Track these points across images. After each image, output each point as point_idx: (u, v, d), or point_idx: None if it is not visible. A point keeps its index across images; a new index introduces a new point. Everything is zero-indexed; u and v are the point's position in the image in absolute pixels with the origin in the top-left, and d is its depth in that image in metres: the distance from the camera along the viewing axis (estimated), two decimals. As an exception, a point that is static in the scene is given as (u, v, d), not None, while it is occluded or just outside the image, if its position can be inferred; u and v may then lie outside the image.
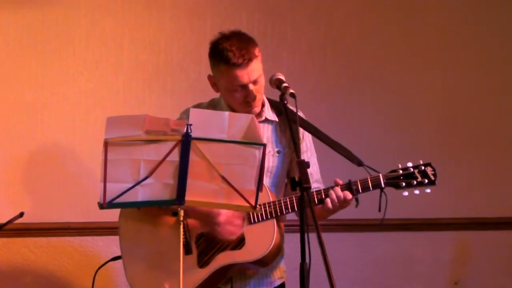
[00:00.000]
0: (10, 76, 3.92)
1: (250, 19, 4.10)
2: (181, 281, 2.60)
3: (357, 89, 4.24)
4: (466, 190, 4.31)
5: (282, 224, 3.06)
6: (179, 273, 2.60)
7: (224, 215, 2.94)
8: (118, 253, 3.08)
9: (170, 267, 2.90)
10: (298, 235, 2.56)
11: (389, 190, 2.98)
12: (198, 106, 3.11)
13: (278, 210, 2.96)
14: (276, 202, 2.96)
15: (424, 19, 4.30)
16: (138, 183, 2.54)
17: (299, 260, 2.56)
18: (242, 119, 2.59)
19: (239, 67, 2.91)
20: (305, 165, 2.61)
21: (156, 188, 2.57)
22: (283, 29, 4.16)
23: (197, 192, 2.59)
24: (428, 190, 3.02)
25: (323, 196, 2.95)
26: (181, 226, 2.64)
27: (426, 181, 2.98)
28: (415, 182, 2.98)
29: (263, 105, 3.07)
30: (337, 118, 4.18)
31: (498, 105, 4.36)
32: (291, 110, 2.90)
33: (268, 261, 3.00)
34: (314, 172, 3.12)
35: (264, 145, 2.59)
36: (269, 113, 3.10)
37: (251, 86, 2.94)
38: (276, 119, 3.11)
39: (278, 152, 3.10)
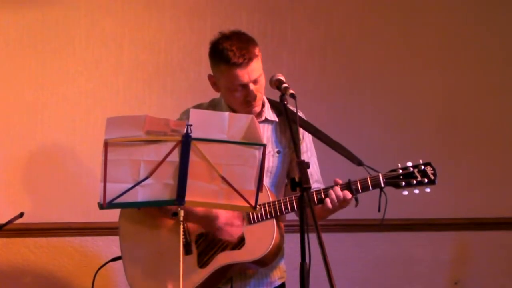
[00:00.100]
0: (10, 76, 3.92)
1: (250, 19, 4.10)
2: (181, 281, 2.60)
3: (357, 89, 4.24)
4: (466, 190, 4.30)
5: (282, 224, 3.06)
6: (179, 273, 2.60)
7: (223, 216, 2.94)
8: (118, 254, 3.08)
9: (170, 268, 2.90)
10: (298, 235, 2.56)
11: (389, 190, 2.98)
12: (199, 106, 3.11)
13: (278, 210, 2.95)
14: (276, 202, 2.96)
15: (424, 19, 4.30)
16: (138, 183, 2.54)
17: (299, 260, 2.56)
18: (242, 120, 2.59)
19: (239, 67, 2.91)
20: (305, 165, 2.61)
21: (156, 189, 2.57)
22: (283, 29, 4.16)
23: (197, 193, 2.59)
24: (428, 190, 3.01)
25: (323, 196, 2.95)
26: (181, 227, 2.64)
27: (426, 180, 2.97)
28: (414, 182, 2.98)
29: (263, 105, 3.07)
30: (337, 118, 4.17)
31: (498, 105, 4.36)
32: (291, 110, 2.90)
33: (268, 261, 3.00)
34: (314, 172, 3.12)
35: (264, 146, 2.59)
36: (269, 113, 3.10)
37: (251, 86, 2.94)
38: (276, 119, 3.11)
39: (278, 152, 3.09)
